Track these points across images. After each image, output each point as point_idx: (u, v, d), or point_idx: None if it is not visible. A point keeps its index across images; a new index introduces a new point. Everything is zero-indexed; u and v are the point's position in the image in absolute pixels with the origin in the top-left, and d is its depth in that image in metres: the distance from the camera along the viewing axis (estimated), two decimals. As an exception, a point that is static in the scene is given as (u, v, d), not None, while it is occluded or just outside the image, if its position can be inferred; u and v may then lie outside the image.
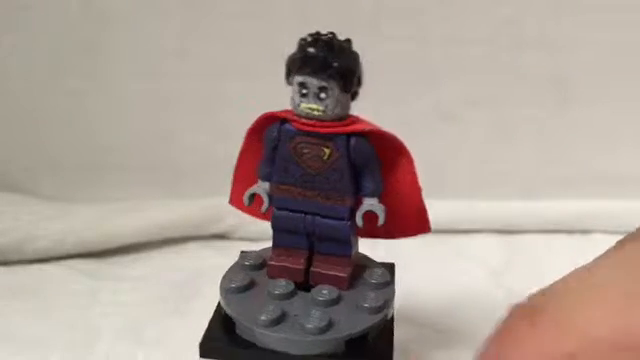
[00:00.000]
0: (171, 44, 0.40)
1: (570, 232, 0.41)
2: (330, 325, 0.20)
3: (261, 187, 0.22)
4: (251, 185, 0.23)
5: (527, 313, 0.14)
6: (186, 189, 0.42)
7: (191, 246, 0.41)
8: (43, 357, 0.29)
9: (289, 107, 0.22)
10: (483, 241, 0.41)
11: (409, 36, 0.40)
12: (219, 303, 0.22)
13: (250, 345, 0.21)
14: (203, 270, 0.35)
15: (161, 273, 0.37)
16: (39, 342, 0.30)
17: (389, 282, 0.23)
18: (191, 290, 0.35)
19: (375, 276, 0.23)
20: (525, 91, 0.41)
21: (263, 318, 0.20)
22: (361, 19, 0.39)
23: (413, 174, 0.22)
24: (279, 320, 0.20)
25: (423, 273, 0.34)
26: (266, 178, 0.22)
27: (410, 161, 0.22)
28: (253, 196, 0.23)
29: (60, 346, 0.30)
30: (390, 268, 0.25)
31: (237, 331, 0.21)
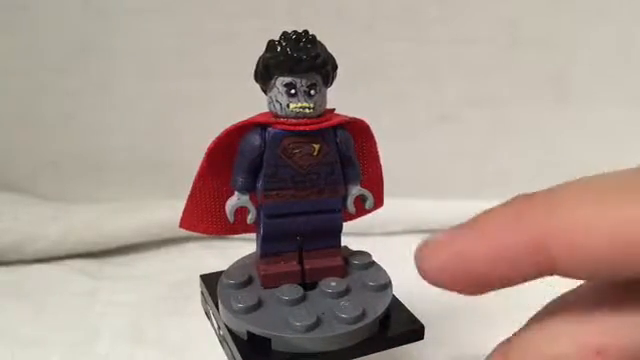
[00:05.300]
0: (171, 44, 0.40)
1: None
2: (364, 311, 0.21)
3: (242, 199, 0.22)
4: (209, 206, 0.22)
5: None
6: (186, 189, 0.42)
7: (191, 246, 0.41)
8: (43, 357, 0.29)
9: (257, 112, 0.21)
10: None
11: (409, 37, 0.40)
12: (230, 331, 0.21)
13: (292, 355, 0.20)
14: (203, 270, 0.35)
15: (161, 273, 0.37)
16: (39, 342, 0.30)
17: (373, 260, 0.24)
18: (191, 290, 0.35)
19: (359, 258, 0.24)
20: (525, 91, 0.41)
21: (299, 324, 0.20)
22: (360, 20, 0.39)
23: (377, 154, 0.23)
24: (316, 322, 0.20)
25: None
26: (245, 190, 0.22)
27: (374, 143, 0.23)
28: (235, 212, 0.22)
29: (60, 346, 0.30)
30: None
31: (274, 347, 0.20)
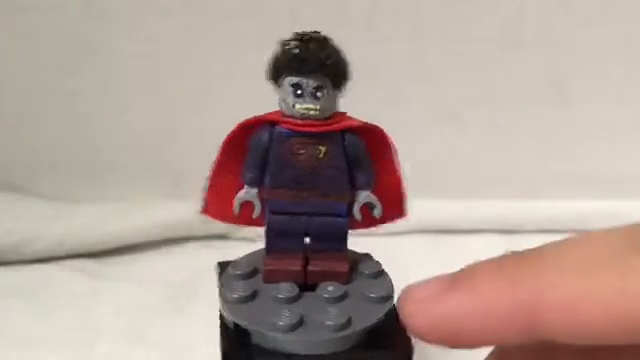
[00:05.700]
0: (171, 44, 0.40)
1: (571, 232, 0.41)
2: (349, 320, 0.20)
3: (250, 193, 0.22)
4: (227, 194, 0.22)
5: None
6: (186, 189, 0.42)
7: (191, 246, 0.41)
8: (43, 357, 0.29)
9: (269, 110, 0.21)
10: (483, 241, 0.41)
11: (409, 36, 0.40)
12: (222, 318, 0.22)
13: (270, 353, 0.20)
14: (203, 270, 0.35)
15: (161, 273, 0.37)
16: (39, 342, 0.30)
17: (382, 271, 0.23)
18: (191, 290, 0.35)
19: (368, 267, 0.23)
20: (525, 91, 0.41)
21: (281, 323, 0.20)
22: (360, 19, 0.39)
23: (397, 163, 0.23)
24: (298, 323, 0.20)
25: (423, 273, 0.34)
26: (254, 184, 0.22)
27: (394, 151, 0.22)
28: (241, 204, 0.22)
29: (60, 346, 0.30)
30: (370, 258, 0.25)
31: (254, 341, 0.20)
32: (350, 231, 0.23)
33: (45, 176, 0.43)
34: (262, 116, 0.21)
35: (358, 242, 0.25)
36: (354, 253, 0.24)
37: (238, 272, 0.23)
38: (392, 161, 0.23)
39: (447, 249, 0.39)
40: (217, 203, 0.23)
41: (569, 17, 0.40)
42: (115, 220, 0.40)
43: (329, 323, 0.20)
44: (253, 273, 0.23)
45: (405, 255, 0.37)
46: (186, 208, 0.41)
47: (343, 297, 0.22)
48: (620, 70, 0.41)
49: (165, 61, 0.41)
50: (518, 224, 0.42)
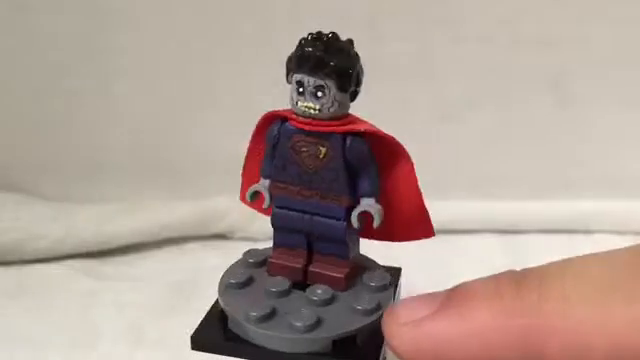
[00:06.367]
0: (171, 44, 0.40)
1: (571, 232, 0.41)
2: (318, 324, 0.20)
3: (262, 185, 0.23)
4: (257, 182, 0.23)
5: None
6: (186, 189, 0.42)
7: (191, 246, 0.41)
8: (43, 357, 0.29)
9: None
10: (483, 241, 0.41)
11: (409, 36, 0.40)
12: (216, 302, 0.22)
13: (241, 340, 0.21)
14: (203, 270, 0.35)
15: (161, 273, 0.37)
16: (39, 342, 0.30)
17: (387, 285, 0.23)
18: (191, 290, 0.35)
19: (374, 279, 0.23)
20: (525, 91, 0.41)
21: (254, 314, 0.20)
22: (360, 19, 0.39)
23: (412, 176, 0.22)
24: (269, 317, 0.20)
25: (423, 273, 0.34)
26: (267, 176, 0.22)
27: (409, 163, 0.22)
28: (255, 194, 0.23)
29: (60, 346, 0.30)
30: (395, 272, 0.24)
31: (229, 326, 0.21)
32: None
33: (45, 176, 0.43)
34: (277, 111, 0.22)
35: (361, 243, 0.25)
36: (367, 260, 0.24)
37: (249, 260, 0.24)
38: (408, 174, 0.22)
39: (446, 249, 0.39)
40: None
41: (569, 17, 0.40)
42: (115, 220, 0.40)
43: (296, 324, 0.20)
44: (262, 264, 0.23)
45: (404, 255, 0.37)
46: (186, 208, 0.41)
47: (328, 302, 0.21)
48: (621, 70, 0.41)
49: (165, 61, 0.41)
50: (518, 224, 0.42)
